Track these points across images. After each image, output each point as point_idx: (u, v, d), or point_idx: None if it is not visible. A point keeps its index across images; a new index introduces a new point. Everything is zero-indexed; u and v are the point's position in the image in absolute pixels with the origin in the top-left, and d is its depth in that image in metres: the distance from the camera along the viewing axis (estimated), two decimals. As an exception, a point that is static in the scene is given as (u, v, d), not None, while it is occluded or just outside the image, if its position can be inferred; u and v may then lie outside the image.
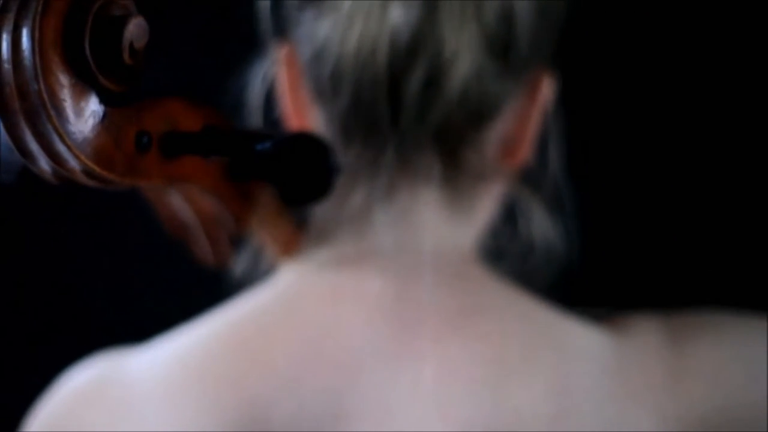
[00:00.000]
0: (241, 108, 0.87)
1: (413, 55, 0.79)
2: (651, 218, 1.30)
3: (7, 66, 0.61)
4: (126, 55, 0.63)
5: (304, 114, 0.85)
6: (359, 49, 0.79)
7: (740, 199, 1.29)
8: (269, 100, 0.87)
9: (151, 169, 0.68)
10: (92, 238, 1.36)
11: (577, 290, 0.89)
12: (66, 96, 0.62)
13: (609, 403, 0.79)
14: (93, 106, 0.63)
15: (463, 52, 0.79)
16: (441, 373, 0.79)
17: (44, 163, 0.63)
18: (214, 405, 0.77)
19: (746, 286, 1.27)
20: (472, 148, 0.83)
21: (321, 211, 0.84)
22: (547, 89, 0.85)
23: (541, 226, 0.88)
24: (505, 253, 0.89)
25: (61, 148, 0.62)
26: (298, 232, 0.86)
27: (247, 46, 0.88)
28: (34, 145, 0.62)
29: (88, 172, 0.64)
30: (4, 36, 0.60)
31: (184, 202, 0.77)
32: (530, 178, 0.88)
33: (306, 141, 0.70)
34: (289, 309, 0.81)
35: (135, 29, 0.63)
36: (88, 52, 0.62)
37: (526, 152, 0.86)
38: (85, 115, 0.63)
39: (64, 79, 0.62)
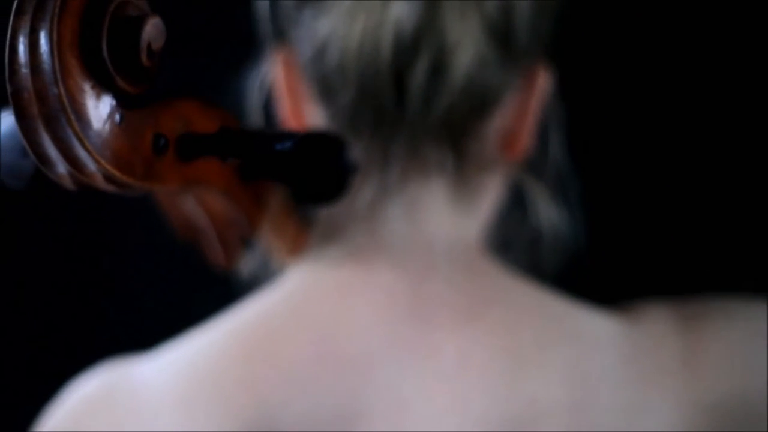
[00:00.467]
0: (239, 111, 0.87)
1: (417, 45, 0.79)
2: (656, 207, 1.30)
3: (25, 70, 0.59)
4: (144, 57, 0.62)
5: (304, 115, 0.84)
6: (362, 43, 0.80)
7: (747, 184, 1.29)
8: (267, 102, 0.86)
9: (168, 172, 0.66)
10: (98, 242, 1.34)
11: (584, 280, 0.89)
12: (85, 99, 0.60)
13: (625, 390, 0.79)
14: (111, 109, 0.62)
15: (465, 41, 0.80)
16: (457, 366, 0.78)
17: (63, 169, 0.62)
18: (227, 408, 0.76)
19: (754, 271, 1.27)
20: (475, 139, 0.83)
21: (327, 208, 0.83)
22: (544, 81, 0.86)
23: (547, 215, 0.88)
24: (512, 244, 0.89)
25: (81, 153, 0.60)
26: (304, 232, 0.85)
27: (244, 48, 0.88)
28: (52, 151, 0.61)
29: (107, 177, 0.62)
30: (21, 39, 0.59)
31: (196, 205, 0.75)
32: (534, 168, 0.88)
33: (325, 139, 0.69)
34: (300, 308, 0.81)
35: (153, 30, 0.62)
36: (105, 53, 0.61)
37: (526, 143, 0.86)
38: (103, 119, 0.61)
39: (82, 82, 0.60)
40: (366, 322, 0.79)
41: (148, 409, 0.78)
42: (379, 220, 0.82)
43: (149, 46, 0.62)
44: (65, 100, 0.59)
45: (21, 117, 0.60)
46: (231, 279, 0.86)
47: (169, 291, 1.26)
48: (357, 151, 0.81)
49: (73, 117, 0.59)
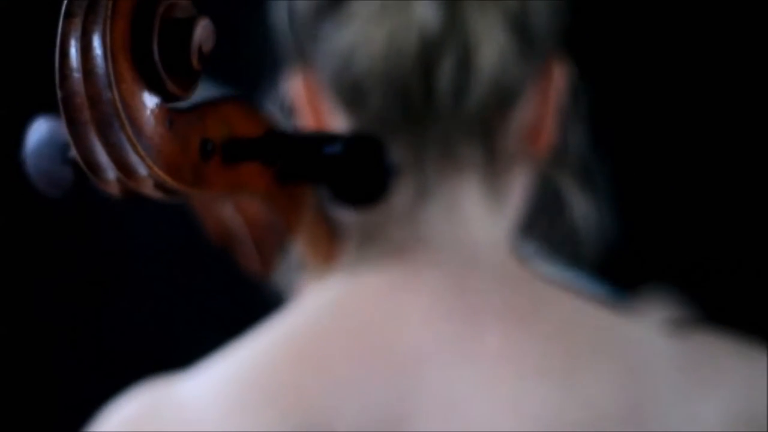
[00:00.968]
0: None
1: (443, 43, 0.80)
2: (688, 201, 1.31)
3: (77, 75, 0.57)
4: (195, 60, 0.60)
5: (328, 129, 0.84)
6: (389, 47, 0.80)
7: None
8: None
9: (215, 177, 0.65)
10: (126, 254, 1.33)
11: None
12: (137, 104, 0.59)
13: (680, 398, 0.79)
14: (162, 113, 0.60)
15: (488, 36, 0.80)
16: (513, 368, 0.77)
17: (112, 175, 0.60)
18: (278, 416, 0.75)
19: None
20: (501, 135, 0.83)
21: (366, 211, 0.82)
22: (560, 74, 0.86)
23: (578, 208, 0.87)
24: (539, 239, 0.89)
25: (133, 158, 0.59)
26: (336, 238, 0.84)
27: (264, 66, 0.87)
28: (103, 157, 0.59)
29: (158, 183, 0.61)
30: (73, 43, 0.57)
31: (233, 210, 0.74)
32: (560, 162, 0.88)
33: (371, 141, 0.68)
34: (345, 312, 0.80)
35: (203, 32, 0.60)
36: (156, 56, 0.59)
37: (549, 137, 0.86)
38: (154, 123, 0.60)
39: (134, 86, 0.59)
40: (414, 324, 0.78)
41: (197, 423, 0.76)
42: (419, 221, 0.82)
43: (200, 48, 0.60)
44: (119, 104, 0.57)
45: (72, 122, 0.58)
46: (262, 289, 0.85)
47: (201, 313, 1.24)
48: (392, 154, 0.80)
49: (126, 122, 0.58)
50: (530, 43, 0.83)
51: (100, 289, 1.34)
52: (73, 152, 0.65)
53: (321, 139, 0.66)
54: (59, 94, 0.58)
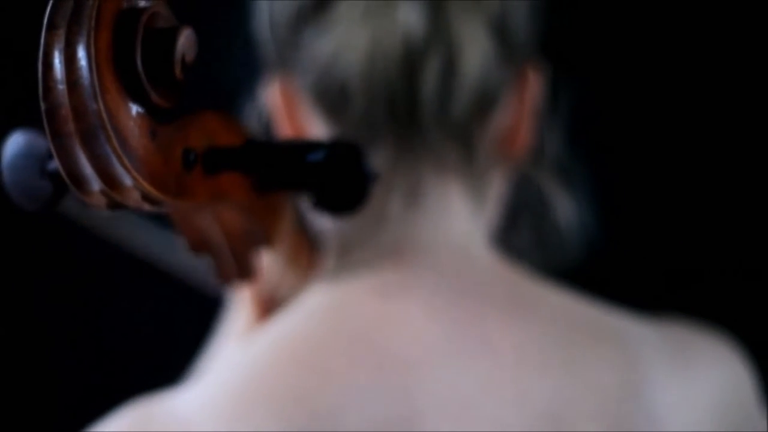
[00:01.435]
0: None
1: (428, 47, 0.80)
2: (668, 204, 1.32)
3: (61, 86, 0.57)
4: (178, 70, 0.60)
5: (309, 136, 0.84)
6: (373, 52, 0.80)
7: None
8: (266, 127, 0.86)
9: (197, 187, 0.64)
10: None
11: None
12: (122, 115, 0.58)
13: (668, 377, 0.80)
14: (145, 124, 0.60)
15: (471, 39, 0.81)
16: (515, 360, 0.77)
17: (96, 187, 0.60)
18: (281, 422, 0.74)
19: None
20: (480, 138, 0.84)
21: (343, 218, 0.82)
22: (535, 80, 0.87)
23: (558, 210, 0.88)
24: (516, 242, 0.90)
25: (118, 170, 0.58)
26: (315, 245, 0.84)
27: (244, 73, 0.87)
28: (87, 169, 0.58)
29: (144, 195, 0.60)
30: (56, 54, 0.57)
31: (211, 220, 0.73)
32: (539, 164, 0.89)
33: (351, 147, 0.67)
34: (342, 315, 0.79)
35: (186, 42, 0.60)
36: (140, 67, 0.59)
37: (525, 140, 0.87)
38: (138, 134, 0.59)
39: (119, 97, 0.58)
40: (414, 324, 0.78)
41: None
42: (410, 223, 0.82)
43: (183, 58, 0.60)
44: (104, 116, 0.57)
45: (56, 135, 0.57)
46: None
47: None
48: (377, 159, 0.80)
49: (112, 133, 0.57)
50: (510, 48, 0.83)
51: (100, 288, 1.33)
52: (52, 165, 0.65)
53: (303, 147, 0.66)
54: (43, 106, 0.57)
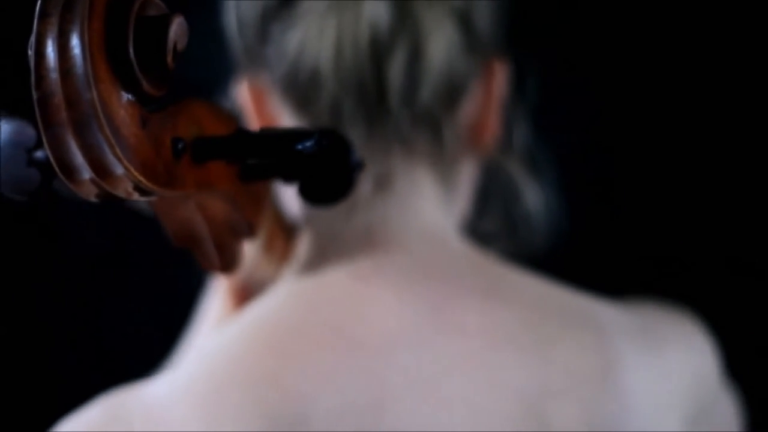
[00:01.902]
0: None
1: (395, 38, 0.81)
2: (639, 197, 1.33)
3: (54, 75, 0.56)
4: (170, 58, 0.59)
5: None
6: (340, 43, 0.81)
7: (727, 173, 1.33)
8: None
9: (186, 176, 0.64)
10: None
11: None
12: (114, 103, 0.58)
13: (641, 356, 0.81)
14: (136, 112, 0.60)
15: (437, 29, 0.82)
16: (485, 342, 0.78)
17: (86, 176, 0.59)
18: (253, 407, 0.74)
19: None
20: (449, 128, 0.85)
21: (328, 206, 0.82)
22: (502, 71, 0.88)
23: (527, 200, 0.89)
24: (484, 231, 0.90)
25: (110, 159, 0.58)
26: (292, 233, 0.84)
27: (217, 68, 0.87)
28: (78, 158, 0.58)
29: (135, 184, 0.60)
30: (50, 43, 0.56)
31: (195, 210, 0.73)
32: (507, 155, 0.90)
33: (338, 136, 0.67)
34: (312, 301, 0.80)
35: (179, 29, 0.60)
36: (132, 55, 0.58)
37: (493, 131, 0.88)
38: (129, 123, 0.59)
39: (111, 86, 0.58)
40: (384, 308, 0.79)
41: (167, 421, 0.75)
42: (380, 211, 0.83)
43: (175, 46, 0.60)
44: (98, 105, 0.56)
45: (48, 124, 0.57)
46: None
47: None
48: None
49: (104, 122, 0.57)
50: (475, 40, 0.85)
51: (100, 288, 1.32)
52: (39, 154, 0.64)
53: (291, 136, 0.65)
54: (35, 95, 0.57)
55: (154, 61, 0.59)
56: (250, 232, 0.76)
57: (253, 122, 0.86)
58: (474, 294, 0.80)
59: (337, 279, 0.81)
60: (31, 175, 0.65)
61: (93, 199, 0.61)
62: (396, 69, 0.81)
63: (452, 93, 0.84)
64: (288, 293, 0.81)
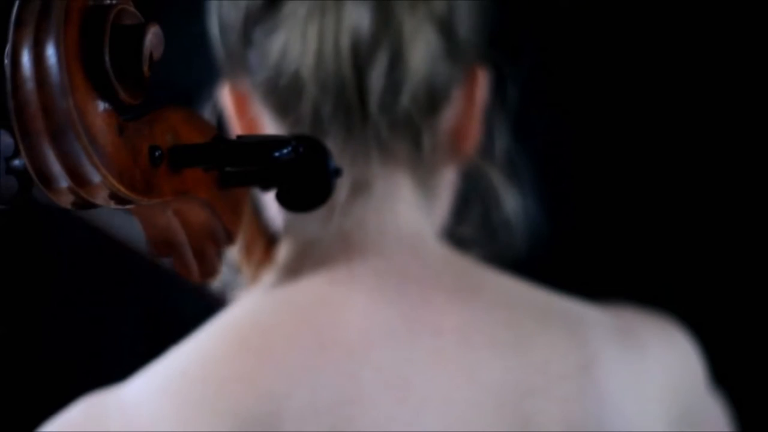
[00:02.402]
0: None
1: (376, 44, 0.81)
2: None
3: (30, 84, 0.57)
4: (146, 67, 0.60)
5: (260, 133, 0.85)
6: (321, 50, 0.81)
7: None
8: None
9: (163, 184, 0.64)
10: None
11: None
12: (91, 112, 0.58)
13: (619, 356, 0.82)
14: (113, 120, 0.60)
15: (418, 36, 0.82)
16: (459, 341, 0.79)
17: (63, 185, 0.59)
18: (226, 406, 0.75)
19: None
20: (429, 134, 0.85)
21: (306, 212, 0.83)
22: (484, 77, 0.89)
23: (507, 204, 0.89)
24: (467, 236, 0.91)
25: (87, 167, 0.58)
26: (272, 239, 0.84)
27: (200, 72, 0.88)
28: (56, 167, 0.58)
29: (112, 192, 0.60)
30: (25, 51, 0.56)
31: (173, 217, 0.73)
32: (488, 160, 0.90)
33: (316, 143, 0.68)
34: (286, 303, 0.80)
35: (154, 39, 0.60)
36: (108, 64, 0.59)
37: (475, 137, 0.88)
38: (106, 131, 0.59)
39: (87, 95, 0.58)
40: (358, 310, 0.80)
41: (141, 422, 0.75)
42: (357, 216, 0.83)
43: (151, 55, 0.60)
44: (74, 113, 0.57)
45: (25, 133, 0.57)
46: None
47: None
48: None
49: (81, 131, 0.57)
50: (457, 46, 0.85)
51: (99, 288, 1.32)
52: (17, 162, 0.65)
53: (269, 143, 0.66)
54: (11, 103, 0.57)
55: (130, 70, 0.59)
56: (228, 239, 0.76)
57: (235, 126, 0.86)
58: (451, 295, 0.81)
59: (313, 283, 0.81)
60: (8, 184, 0.66)
61: (70, 207, 0.61)
62: (376, 75, 0.81)
63: (433, 99, 0.84)
64: (264, 297, 0.82)
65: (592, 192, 1.34)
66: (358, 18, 0.81)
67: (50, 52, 0.56)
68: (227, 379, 0.76)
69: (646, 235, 1.35)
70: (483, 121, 0.89)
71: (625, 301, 0.89)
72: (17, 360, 1.34)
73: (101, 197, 0.60)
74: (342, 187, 0.82)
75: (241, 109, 0.86)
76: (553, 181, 0.97)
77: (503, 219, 0.89)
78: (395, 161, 0.84)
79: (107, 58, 0.58)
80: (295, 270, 0.82)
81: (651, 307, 0.89)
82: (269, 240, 0.86)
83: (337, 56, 0.81)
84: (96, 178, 0.59)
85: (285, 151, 0.65)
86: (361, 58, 0.81)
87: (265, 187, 0.71)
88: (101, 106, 0.59)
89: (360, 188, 0.83)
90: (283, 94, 0.82)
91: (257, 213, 0.84)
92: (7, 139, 0.65)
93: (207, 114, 0.87)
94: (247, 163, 0.66)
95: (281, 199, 0.70)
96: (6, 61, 0.57)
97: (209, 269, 0.77)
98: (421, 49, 0.82)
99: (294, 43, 0.81)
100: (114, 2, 0.60)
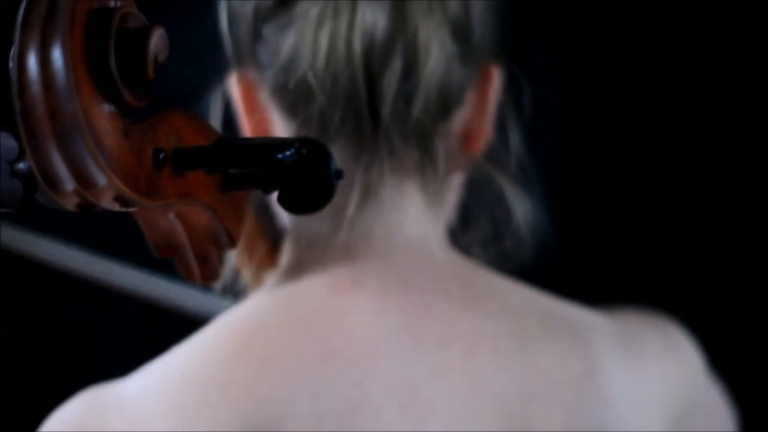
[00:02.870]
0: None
1: (390, 47, 0.80)
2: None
3: (36, 87, 0.57)
4: (151, 69, 0.60)
5: (268, 131, 0.85)
6: (332, 52, 0.80)
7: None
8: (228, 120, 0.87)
9: (167, 187, 0.65)
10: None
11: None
12: (97, 115, 0.58)
13: (620, 362, 0.82)
14: (118, 123, 0.60)
15: (433, 39, 0.81)
16: (465, 349, 0.79)
17: (69, 187, 0.60)
18: (226, 409, 0.75)
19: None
20: (441, 138, 0.84)
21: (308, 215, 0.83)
22: (497, 77, 0.88)
23: (515, 208, 0.89)
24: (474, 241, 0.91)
25: (93, 170, 0.59)
26: (275, 242, 0.84)
27: (208, 65, 0.88)
28: (62, 169, 0.59)
29: (117, 195, 0.60)
30: (31, 55, 0.57)
31: (175, 220, 0.74)
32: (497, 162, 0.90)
33: (318, 146, 0.68)
34: (291, 308, 0.80)
35: (159, 41, 0.60)
36: (113, 66, 0.59)
37: (485, 138, 0.88)
38: (112, 134, 0.60)
39: (93, 97, 0.58)
40: (362, 317, 0.79)
41: (140, 421, 0.76)
42: (364, 222, 0.83)
43: (156, 58, 0.60)
44: (80, 116, 0.57)
45: (31, 135, 0.58)
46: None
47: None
48: (335, 156, 0.81)
49: (87, 133, 0.58)
50: (471, 48, 0.84)
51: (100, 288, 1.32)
52: (22, 164, 0.65)
53: (271, 146, 0.66)
54: (17, 106, 0.57)
55: (135, 73, 0.60)
56: (230, 241, 0.77)
57: (242, 116, 0.85)
58: (456, 302, 0.81)
59: (315, 288, 0.81)
60: (13, 187, 0.66)
61: (74, 209, 0.62)
62: (389, 81, 0.80)
63: (446, 104, 0.83)
64: (266, 300, 0.82)
65: (595, 195, 1.35)
66: (372, 21, 0.79)
67: (56, 54, 0.57)
68: (228, 383, 0.76)
69: (649, 241, 1.35)
70: (494, 121, 0.88)
71: (628, 305, 0.89)
72: (17, 360, 1.34)
73: (106, 199, 0.61)
74: (351, 193, 0.82)
75: (251, 107, 0.85)
76: (557, 185, 0.96)
77: (512, 225, 0.88)
78: (405, 167, 0.83)
79: (112, 61, 0.59)
80: (297, 274, 0.82)
81: (654, 310, 0.89)
82: (272, 243, 0.86)
83: (349, 60, 0.79)
84: (102, 180, 0.59)
85: (288, 152, 0.66)
86: (374, 62, 0.80)
87: (267, 190, 0.71)
88: (107, 108, 0.59)
89: (368, 194, 0.83)
90: (292, 95, 0.82)
91: (259, 216, 0.84)
92: (11, 143, 0.65)
93: (216, 109, 0.87)
94: (250, 164, 0.66)
95: (282, 200, 0.71)
96: (12, 65, 0.58)
97: (211, 271, 0.78)
98: (436, 54, 0.81)
99: (305, 44, 0.80)
100: (119, 5, 0.60)
